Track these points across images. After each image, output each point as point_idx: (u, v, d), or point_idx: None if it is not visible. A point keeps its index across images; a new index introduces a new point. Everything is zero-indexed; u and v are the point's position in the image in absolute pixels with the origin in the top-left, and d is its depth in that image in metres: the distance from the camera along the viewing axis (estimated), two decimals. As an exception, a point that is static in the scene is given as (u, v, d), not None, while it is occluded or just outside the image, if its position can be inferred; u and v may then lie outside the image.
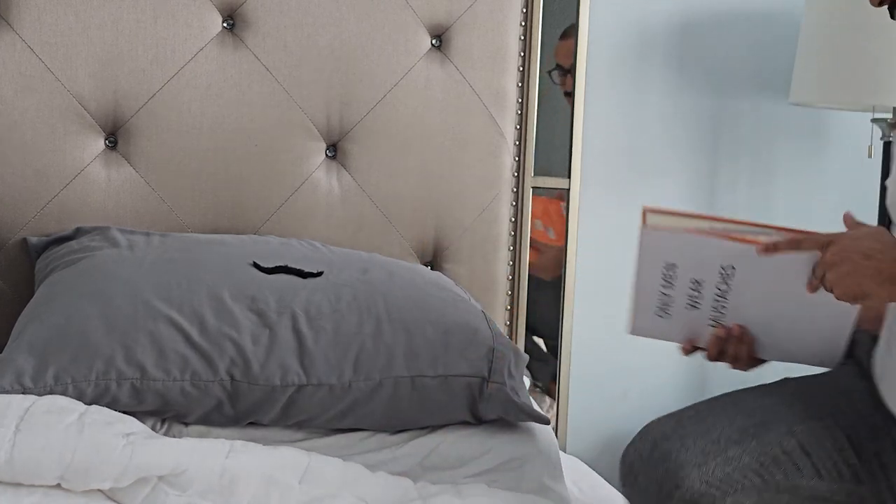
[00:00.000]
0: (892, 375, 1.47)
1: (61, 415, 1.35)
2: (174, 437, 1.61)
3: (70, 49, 1.94)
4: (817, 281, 1.37)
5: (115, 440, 1.31)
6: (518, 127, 2.30)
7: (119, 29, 1.97)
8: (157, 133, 2.01)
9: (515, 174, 2.31)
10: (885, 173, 2.50)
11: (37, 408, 1.36)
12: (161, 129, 2.01)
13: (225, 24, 2.05)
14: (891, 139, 2.47)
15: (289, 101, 2.08)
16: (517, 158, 2.31)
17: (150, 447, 1.31)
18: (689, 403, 1.69)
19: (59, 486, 1.33)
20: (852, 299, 1.35)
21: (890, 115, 2.47)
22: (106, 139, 2.00)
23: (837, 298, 1.35)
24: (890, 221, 1.53)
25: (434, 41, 2.20)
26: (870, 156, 2.47)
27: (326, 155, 2.14)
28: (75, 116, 1.96)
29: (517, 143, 2.30)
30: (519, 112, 2.30)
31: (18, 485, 1.31)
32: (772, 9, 2.62)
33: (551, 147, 2.39)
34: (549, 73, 2.32)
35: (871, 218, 2.61)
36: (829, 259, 1.34)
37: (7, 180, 1.93)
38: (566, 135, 2.39)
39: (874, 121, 2.49)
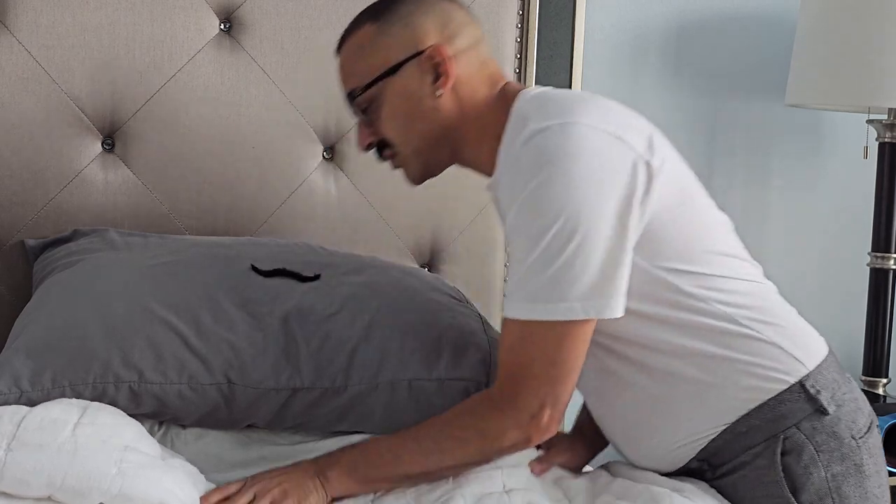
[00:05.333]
0: (616, 441, 1.60)
1: (54, 430, 1.34)
2: (171, 439, 1.61)
3: (67, 52, 1.94)
4: None
5: (106, 467, 1.31)
6: (514, 129, 2.31)
7: (116, 31, 1.97)
8: (154, 135, 2.01)
9: (512, 176, 2.31)
10: (881, 174, 2.50)
11: (29, 422, 1.35)
12: (158, 131, 2.01)
13: (222, 27, 2.06)
14: (886, 140, 2.48)
15: (286, 104, 2.09)
16: (514, 160, 2.31)
17: (140, 480, 1.31)
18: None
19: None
20: None
21: (885, 117, 2.48)
22: (103, 142, 2.00)
23: None
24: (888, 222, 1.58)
25: (430, 43, 2.20)
26: (865, 157, 2.48)
27: (324, 157, 2.14)
28: (72, 119, 1.96)
29: (514, 144, 2.30)
30: (515, 114, 2.30)
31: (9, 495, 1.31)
32: (767, 11, 2.63)
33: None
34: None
35: (866, 219, 2.61)
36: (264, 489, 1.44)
37: (4, 182, 1.93)
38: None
39: (870, 122, 2.49)
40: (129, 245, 1.87)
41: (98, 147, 2.00)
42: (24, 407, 1.39)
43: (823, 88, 2.41)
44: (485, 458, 1.48)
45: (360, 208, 2.16)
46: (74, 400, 1.47)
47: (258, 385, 1.60)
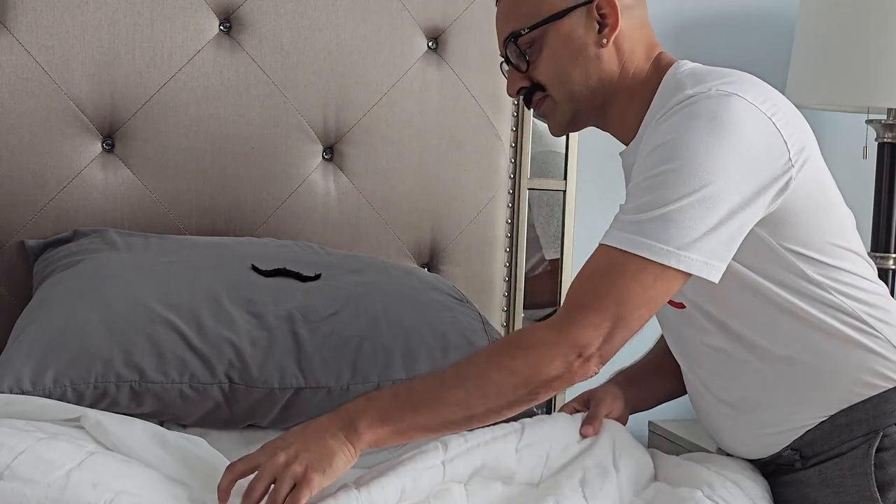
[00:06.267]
0: (712, 421, 1.60)
1: (48, 469, 1.28)
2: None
3: (67, 52, 1.94)
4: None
5: None
6: (514, 129, 2.31)
7: (116, 32, 1.97)
8: (154, 135, 2.01)
9: (511, 176, 2.31)
10: (880, 174, 2.50)
11: (26, 457, 1.29)
12: (158, 131, 2.01)
13: (222, 27, 2.05)
14: (885, 140, 2.48)
15: (285, 104, 2.09)
16: (513, 160, 2.31)
17: None
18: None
19: None
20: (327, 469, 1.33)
21: (884, 117, 2.48)
22: (103, 142, 2.00)
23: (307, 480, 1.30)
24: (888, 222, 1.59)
25: (430, 44, 2.20)
26: (865, 157, 2.48)
27: (323, 157, 2.14)
28: (72, 119, 1.96)
29: (513, 144, 2.31)
30: (515, 114, 2.31)
31: None
32: (766, 11, 2.63)
33: (547, 149, 2.40)
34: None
35: (866, 219, 2.61)
36: (284, 460, 1.31)
37: (4, 183, 1.93)
38: (561, 140, 2.39)
39: (869, 122, 2.49)
40: (130, 245, 1.87)
41: (98, 147, 1.99)
42: (30, 439, 1.33)
43: (822, 89, 2.41)
44: (530, 395, 1.39)
45: (360, 208, 2.16)
46: (85, 444, 1.37)
47: (260, 385, 1.59)
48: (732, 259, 1.41)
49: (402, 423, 1.36)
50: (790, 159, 1.39)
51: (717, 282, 1.37)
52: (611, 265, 1.37)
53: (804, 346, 1.46)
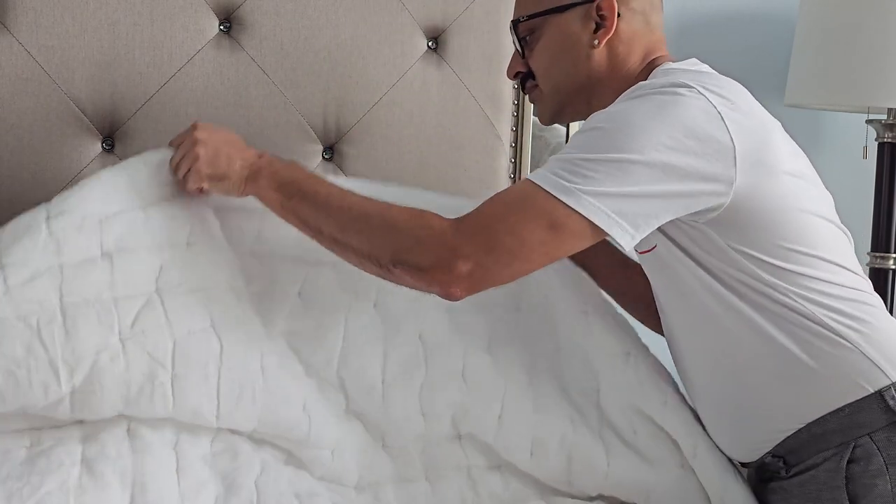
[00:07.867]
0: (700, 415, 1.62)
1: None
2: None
3: (67, 52, 1.94)
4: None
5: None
6: (514, 129, 2.31)
7: (116, 32, 1.97)
8: (154, 136, 2.01)
9: (511, 176, 2.31)
10: (880, 174, 2.51)
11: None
12: (158, 131, 2.01)
13: (222, 27, 2.05)
14: (885, 140, 2.48)
15: (286, 104, 2.08)
16: (513, 160, 2.31)
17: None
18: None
19: None
20: (215, 177, 1.54)
21: (885, 117, 2.48)
22: (103, 142, 2.00)
23: (201, 175, 1.54)
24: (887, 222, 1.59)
25: (430, 43, 2.20)
26: (865, 157, 2.48)
27: (323, 157, 2.14)
28: (72, 119, 1.96)
29: (513, 145, 2.31)
30: (515, 114, 2.31)
31: None
32: (767, 10, 2.63)
33: (547, 149, 2.40)
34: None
35: (866, 219, 2.62)
36: (201, 136, 1.55)
37: (4, 183, 1.93)
38: (562, 136, 2.39)
39: (869, 122, 2.49)
40: (130, 245, 1.87)
41: (98, 147, 1.99)
42: None
43: (822, 88, 2.41)
44: (390, 261, 1.40)
45: (360, 208, 2.16)
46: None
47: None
48: (691, 261, 1.42)
49: (289, 202, 1.49)
50: (734, 159, 1.38)
51: (627, 248, 1.37)
52: (522, 196, 1.38)
53: (768, 350, 1.46)
